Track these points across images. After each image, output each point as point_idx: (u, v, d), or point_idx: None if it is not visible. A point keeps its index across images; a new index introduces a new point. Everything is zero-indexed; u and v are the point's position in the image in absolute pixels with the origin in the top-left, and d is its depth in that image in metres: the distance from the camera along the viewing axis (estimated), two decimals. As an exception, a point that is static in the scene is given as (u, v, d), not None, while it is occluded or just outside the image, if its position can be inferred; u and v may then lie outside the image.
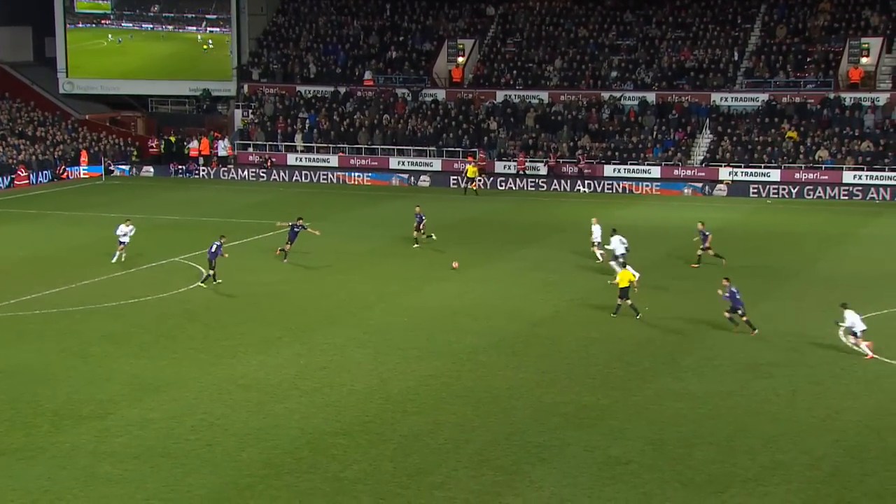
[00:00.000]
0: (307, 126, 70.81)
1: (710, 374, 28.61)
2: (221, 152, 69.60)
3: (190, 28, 75.97)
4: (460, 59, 73.12)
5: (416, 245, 44.51)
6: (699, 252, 41.33)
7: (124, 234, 40.81)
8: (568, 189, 63.20)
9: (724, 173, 62.92)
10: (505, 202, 59.33)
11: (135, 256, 41.94)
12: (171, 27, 75.95)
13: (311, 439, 23.72)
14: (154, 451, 22.90)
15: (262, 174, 67.62)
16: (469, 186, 61.37)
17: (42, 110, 72.74)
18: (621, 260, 38.48)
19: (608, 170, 64.80)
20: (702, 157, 64.75)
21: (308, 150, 69.87)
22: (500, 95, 70.69)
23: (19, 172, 63.03)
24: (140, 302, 35.44)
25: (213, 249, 37.32)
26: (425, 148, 68.04)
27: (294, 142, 70.27)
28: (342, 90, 72.96)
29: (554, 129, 68.07)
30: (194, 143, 69.95)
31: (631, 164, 64.74)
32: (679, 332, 32.55)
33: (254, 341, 31.23)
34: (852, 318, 29.91)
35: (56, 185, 63.73)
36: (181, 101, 77.16)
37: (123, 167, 68.71)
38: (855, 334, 29.89)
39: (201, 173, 68.22)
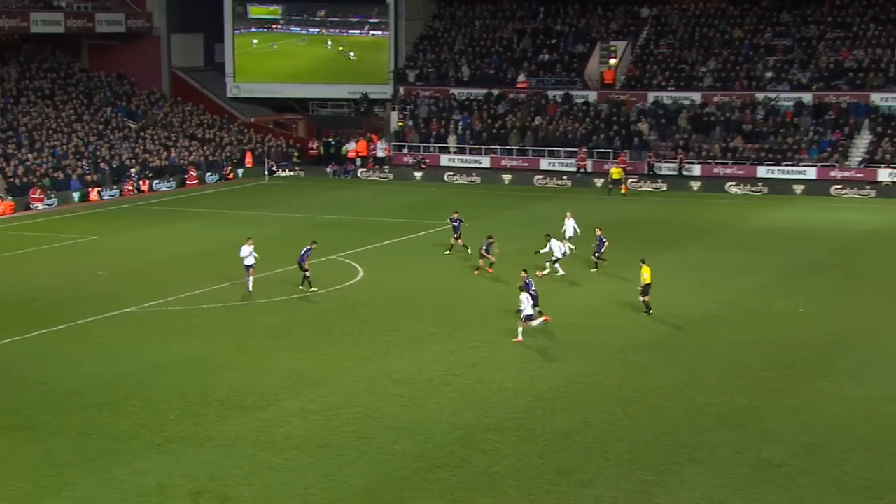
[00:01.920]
0: (460, 128, 71.29)
1: (867, 378, 27.62)
2: (380, 153, 70.75)
3: (353, 32, 77.37)
4: (612, 61, 72.39)
5: (447, 252, 43.12)
6: (594, 258, 39.80)
7: (249, 255, 36.63)
8: (719, 190, 61.99)
9: (884, 174, 60.66)
10: (652, 203, 58.52)
11: (295, 254, 42.85)
12: (336, 31, 77.47)
13: (462, 434, 23.86)
14: (313, 441, 23.38)
15: (415, 175, 68.38)
16: (613, 188, 60.81)
17: (211, 113, 75.15)
18: (558, 257, 38.42)
19: (761, 171, 63.23)
20: (860, 159, 62.54)
21: (460, 151, 70.33)
22: (652, 97, 69.71)
23: (190, 173, 65.28)
24: (299, 298, 36.24)
25: (302, 253, 36.76)
26: (575, 149, 67.66)
27: (447, 143, 70.81)
28: (495, 92, 73.16)
29: (706, 131, 66.79)
30: (351, 145, 71.22)
31: (785, 164, 63.06)
32: (834, 334, 31.52)
33: (407, 337, 31.58)
34: (524, 303, 30.85)
35: (223, 185, 65.74)
36: (340, 104, 78.66)
37: (285, 168, 70.38)
38: (528, 318, 30.65)
39: (358, 174, 69.40)
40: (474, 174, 67.73)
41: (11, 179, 56.64)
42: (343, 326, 32.84)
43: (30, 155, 59.92)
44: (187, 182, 64.80)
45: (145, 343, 31.01)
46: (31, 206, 56.04)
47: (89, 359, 29.44)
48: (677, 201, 58.85)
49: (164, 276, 39.54)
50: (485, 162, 69.04)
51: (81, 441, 23.28)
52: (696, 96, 68.78)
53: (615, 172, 61.38)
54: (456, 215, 43.22)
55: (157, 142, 67.88)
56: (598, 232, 40.25)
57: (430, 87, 74.89)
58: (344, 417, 24.84)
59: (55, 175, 58.82)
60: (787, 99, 66.75)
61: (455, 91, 74.25)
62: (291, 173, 69.70)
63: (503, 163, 68.73)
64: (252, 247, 36.91)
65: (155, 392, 26.50)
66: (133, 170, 62.69)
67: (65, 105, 67.98)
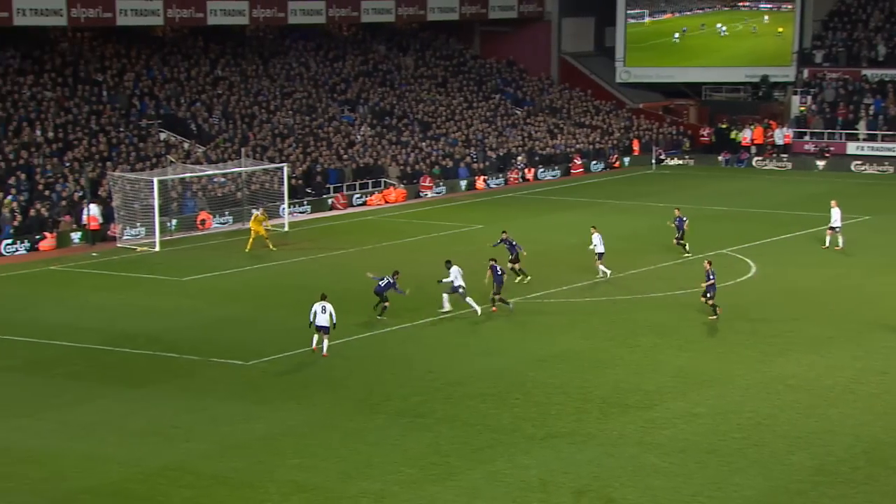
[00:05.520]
0: (871, 112, 67.65)
1: None
2: (778, 140, 68.59)
3: (754, 6, 75.50)
4: None
5: (686, 254, 40.83)
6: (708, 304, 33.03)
7: (597, 244, 38.17)
8: None
9: None
10: None
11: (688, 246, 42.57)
12: (737, 7, 75.99)
13: (867, 448, 22.79)
14: (700, 446, 23.16)
15: (818, 164, 65.67)
16: None
17: (599, 99, 76.08)
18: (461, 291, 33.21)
19: None
20: None
21: (871, 138, 66.77)
22: None
23: (575, 161, 66.47)
24: (687, 293, 35.84)
25: (382, 284, 33.26)
26: None
27: (856, 129, 67.43)
28: (916, 73, 68.82)
29: None
30: (746, 132, 69.52)
31: None
32: None
33: (803, 340, 30.59)
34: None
35: (607, 174, 66.31)
36: (736, 88, 76.99)
37: (673, 156, 69.83)
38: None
39: (753, 162, 67.67)
40: (886, 164, 64.24)
41: (403, 167, 60.23)
42: (733, 326, 32.24)
43: (423, 143, 63.45)
44: (572, 170, 66.00)
45: (527, 335, 31.98)
46: (421, 193, 59.33)
47: (473, 348, 30.80)
48: None
49: (546, 268, 40.46)
50: (899, 150, 65.32)
51: (466, 431, 24.38)
52: None
53: None
54: (677, 213, 41.24)
55: (545, 129, 69.65)
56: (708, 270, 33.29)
57: (839, 69, 71.61)
58: (733, 422, 24.42)
59: (444, 163, 61.90)
60: None
61: (868, 72, 70.59)
62: (680, 162, 69.12)
63: (922, 151, 64.71)
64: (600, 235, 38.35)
65: (536, 385, 27.27)
66: (520, 157, 64.73)
67: (456, 92, 71.35)
